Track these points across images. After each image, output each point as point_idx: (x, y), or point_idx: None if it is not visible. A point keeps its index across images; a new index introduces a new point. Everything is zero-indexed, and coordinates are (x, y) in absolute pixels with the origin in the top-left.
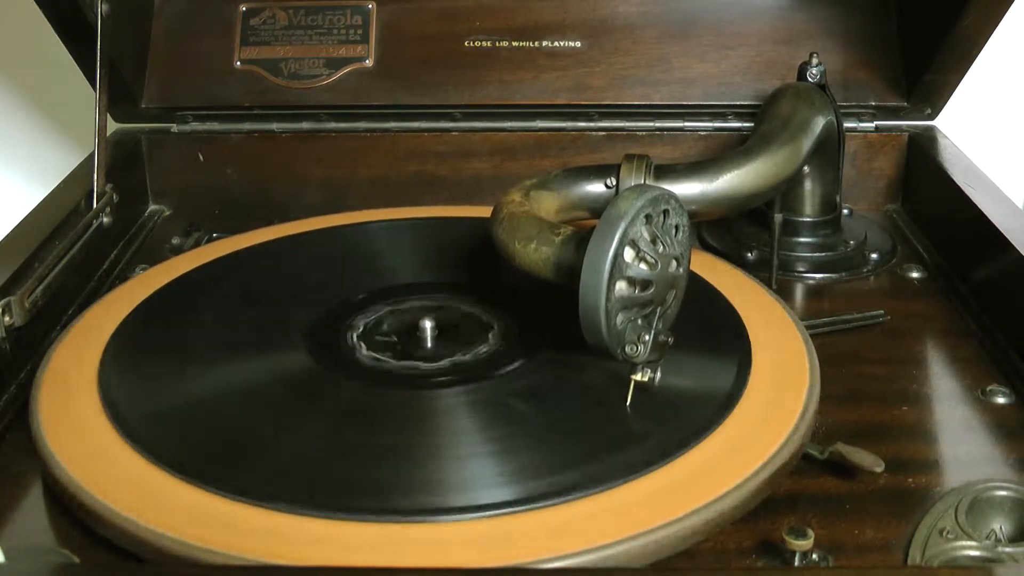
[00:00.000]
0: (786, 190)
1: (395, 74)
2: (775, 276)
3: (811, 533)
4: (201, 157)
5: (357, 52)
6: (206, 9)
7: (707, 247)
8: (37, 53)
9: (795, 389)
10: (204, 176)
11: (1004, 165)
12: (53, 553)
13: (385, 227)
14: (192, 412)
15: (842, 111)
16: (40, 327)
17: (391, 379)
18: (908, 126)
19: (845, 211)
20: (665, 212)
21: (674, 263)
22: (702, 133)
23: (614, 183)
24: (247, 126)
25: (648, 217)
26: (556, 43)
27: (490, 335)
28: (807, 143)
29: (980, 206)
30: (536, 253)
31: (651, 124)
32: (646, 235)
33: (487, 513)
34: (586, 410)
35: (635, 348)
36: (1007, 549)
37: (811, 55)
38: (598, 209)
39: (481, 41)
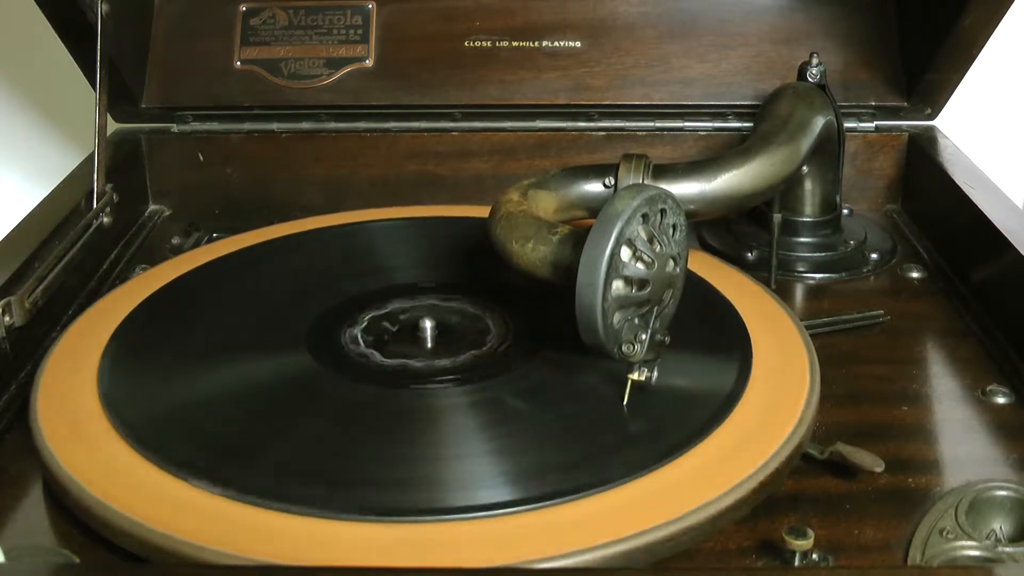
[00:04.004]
0: (786, 190)
1: (395, 74)
2: (774, 276)
3: (811, 533)
4: (201, 157)
5: (357, 52)
6: (206, 9)
7: (707, 247)
8: (37, 53)
9: (795, 389)
10: (204, 176)
11: (1004, 165)
12: (53, 553)
13: (385, 227)
14: (192, 412)
15: (842, 111)
16: (40, 327)
17: (391, 379)
18: (908, 126)
19: (845, 211)
20: (662, 211)
21: (671, 262)
22: (702, 133)
23: (612, 183)
24: (247, 126)
25: (645, 216)
26: (556, 43)
27: (490, 335)
28: (806, 143)
29: (980, 206)
30: (533, 252)
31: (651, 124)
32: (643, 234)
33: (487, 513)
34: (586, 410)
35: (632, 347)
36: (1007, 549)
37: (811, 55)
38: (596, 209)
39: (481, 41)
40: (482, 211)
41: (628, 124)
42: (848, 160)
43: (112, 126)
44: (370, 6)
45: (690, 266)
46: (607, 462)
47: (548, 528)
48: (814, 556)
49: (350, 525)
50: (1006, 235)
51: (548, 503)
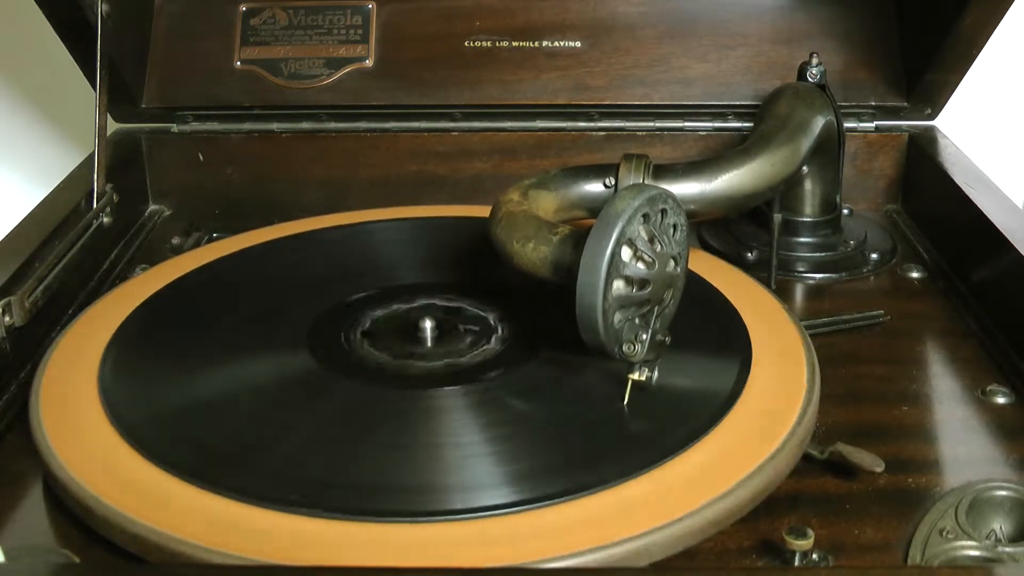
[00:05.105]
0: (786, 190)
1: (395, 74)
2: (774, 276)
3: (811, 533)
4: (201, 157)
5: (357, 52)
6: (206, 9)
7: (707, 247)
8: (37, 53)
9: (795, 389)
10: (204, 176)
11: (1004, 165)
12: (53, 553)
13: (385, 227)
14: (192, 412)
15: (842, 111)
16: (40, 327)
17: (391, 379)
18: (908, 126)
19: (845, 211)
20: (663, 211)
21: (672, 262)
22: (702, 133)
23: (613, 182)
24: (247, 126)
25: (646, 216)
26: (556, 43)
27: (490, 335)
28: (806, 143)
29: (980, 206)
30: (534, 252)
31: (651, 124)
32: (643, 234)
33: (487, 513)
34: (586, 410)
35: (632, 347)
36: (1007, 549)
37: (811, 55)
38: (597, 209)
39: (481, 41)
40: (482, 211)
41: (628, 124)
42: (848, 160)
43: (112, 126)
44: (370, 6)
45: (690, 266)
46: (607, 462)
47: (548, 528)
48: (814, 556)
49: (350, 525)
50: (1006, 235)
51: (548, 503)
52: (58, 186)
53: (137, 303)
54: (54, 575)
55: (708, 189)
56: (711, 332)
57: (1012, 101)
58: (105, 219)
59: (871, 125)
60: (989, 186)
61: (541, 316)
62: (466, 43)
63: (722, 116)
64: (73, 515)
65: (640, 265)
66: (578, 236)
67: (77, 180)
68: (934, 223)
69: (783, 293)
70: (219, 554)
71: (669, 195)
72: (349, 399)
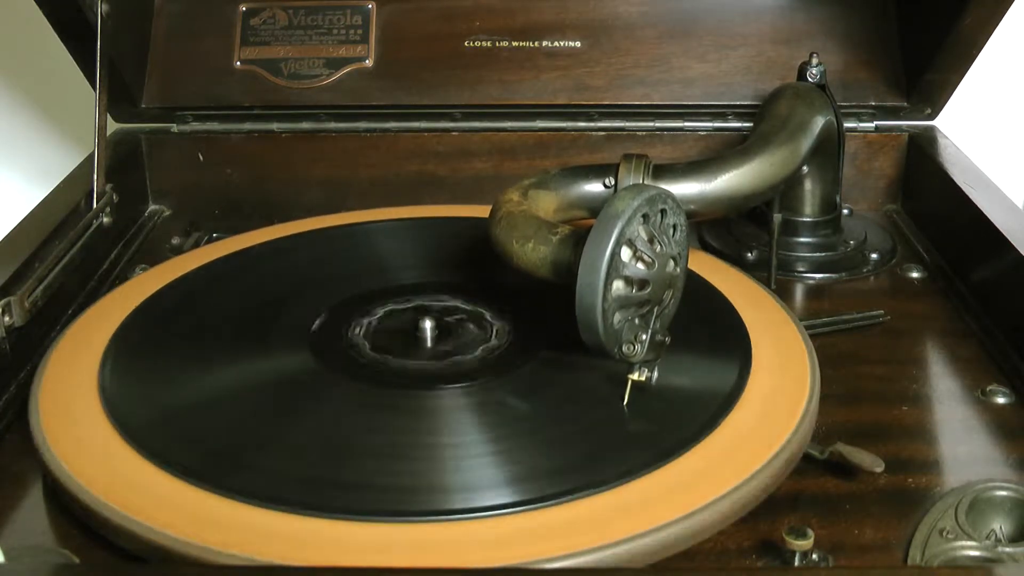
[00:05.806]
0: (786, 190)
1: (395, 74)
2: (773, 276)
3: (811, 533)
4: (201, 157)
5: (357, 52)
6: (206, 9)
7: (707, 247)
8: (37, 53)
9: (795, 389)
10: (204, 176)
11: (1004, 165)
12: (53, 553)
13: (385, 227)
14: (192, 412)
15: (842, 111)
16: (40, 327)
17: (391, 379)
18: (908, 126)
19: (845, 211)
20: (663, 212)
21: (671, 263)
22: (702, 133)
23: (612, 183)
24: (247, 126)
25: (645, 216)
26: (556, 43)
27: (490, 335)
28: (805, 143)
29: (980, 206)
30: (534, 252)
31: (651, 124)
32: (643, 234)
33: (487, 513)
34: (586, 410)
35: (632, 348)
36: (1007, 549)
37: (811, 55)
38: (596, 209)
39: (481, 41)
40: (482, 211)
41: (628, 124)
42: (848, 160)
43: (112, 126)
44: (370, 6)
45: (690, 266)
46: (607, 462)
47: (548, 529)
48: (814, 556)
49: (350, 525)
50: (1006, 235)
51: (548, 503)
52: (58, 186)
53: (137, 303)
54: (54, 575)
55: (708, 189)
56: (711, 332)
57: (1012, 101)
58: (105, 219)
59: (871, 125)
60: (989, 186)
61: (540, 316)
62: (466, 43)
63: (722, 116)
64: (73, 515)
65: (640, 265)
66: (578, 236)
67: (77, 180)
68: (934, 223)
69: (783, 293)
70: (219, 554)
71: (669, 195)
72: (348, 400)
